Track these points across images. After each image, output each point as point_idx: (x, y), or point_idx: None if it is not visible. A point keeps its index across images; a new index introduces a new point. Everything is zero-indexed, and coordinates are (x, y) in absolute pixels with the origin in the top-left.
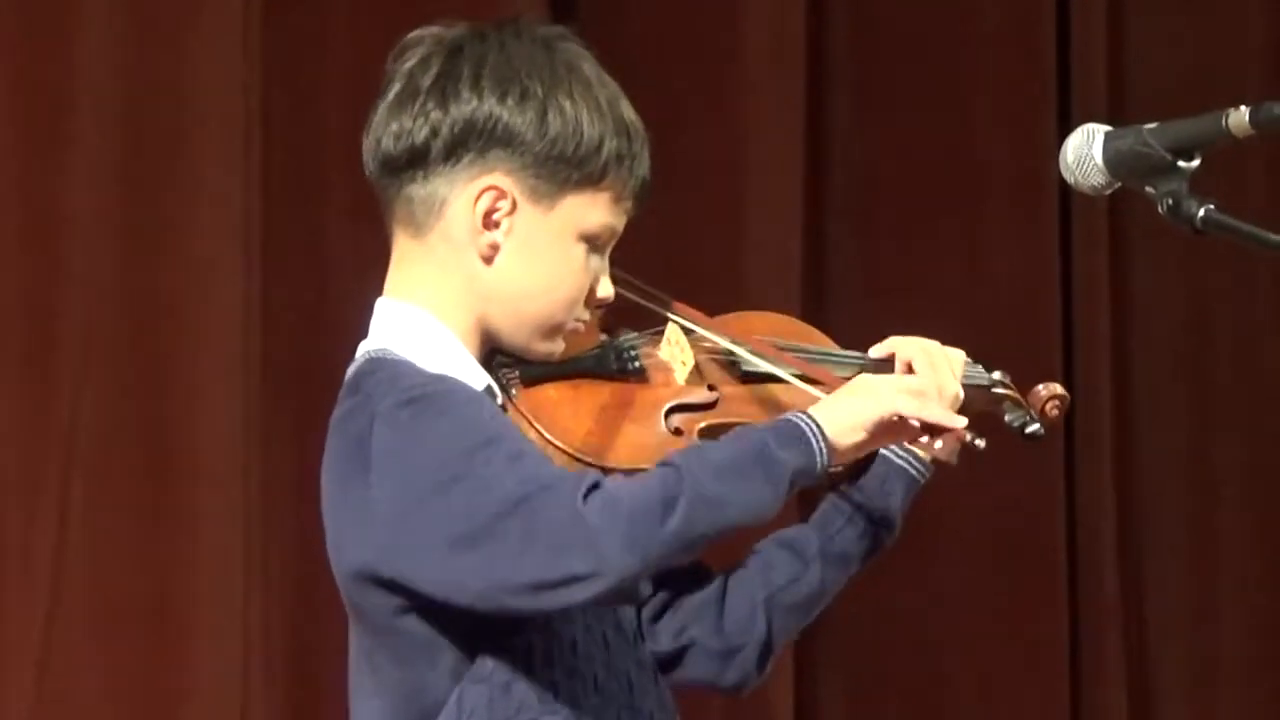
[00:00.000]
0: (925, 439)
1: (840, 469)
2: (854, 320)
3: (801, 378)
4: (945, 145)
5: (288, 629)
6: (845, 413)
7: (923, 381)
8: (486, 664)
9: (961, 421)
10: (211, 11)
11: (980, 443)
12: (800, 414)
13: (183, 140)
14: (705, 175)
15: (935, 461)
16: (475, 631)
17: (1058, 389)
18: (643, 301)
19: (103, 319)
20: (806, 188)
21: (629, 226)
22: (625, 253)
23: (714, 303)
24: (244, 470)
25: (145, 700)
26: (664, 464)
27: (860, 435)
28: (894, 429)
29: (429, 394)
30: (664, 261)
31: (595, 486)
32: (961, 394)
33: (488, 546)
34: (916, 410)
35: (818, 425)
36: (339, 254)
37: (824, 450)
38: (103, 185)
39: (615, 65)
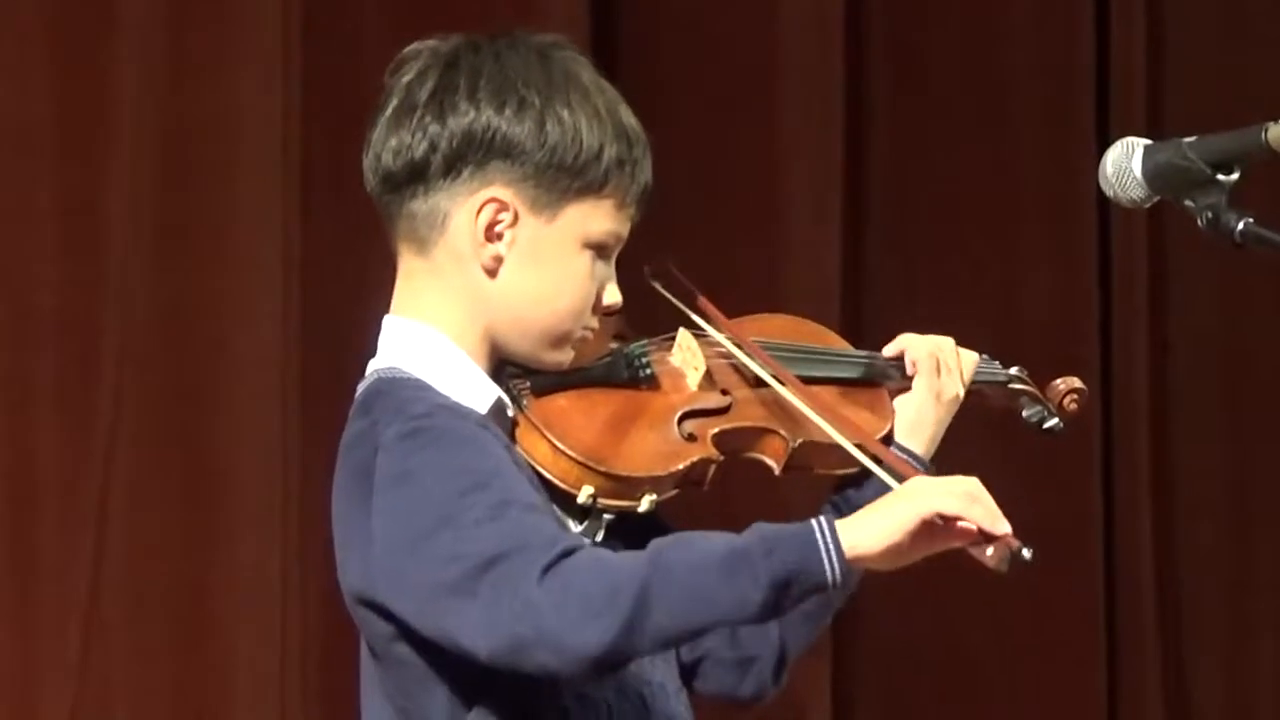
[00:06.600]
0: (973, 547)
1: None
2: (893, 335)
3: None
4: (984, 160)
5: (325, 640)
6: (876, 517)
7: (969, 484)
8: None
9: (1005, 527)
10: (251, 34)
11: (1027, 553)
12: (820, 519)
13: (223, 161)
14: (746, 194)
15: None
16: (468, 671)
17: (1075, 382)
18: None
19: (143, 335)
20: (846, 203)
21: (676, 247)
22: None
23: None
24: (282, 482)
25: (182, 711)
26: (649, 550)
27: (894, 538)
28: (936, 532)
29: (431, 427)
30: (706, 280)
31: (565, 555)
32: (961, 395)
33: (460, 598)
34: (960, 509)
35: (831, 531)
36: (378, 269)
37: (834, 556)
38: (143, 205)
39: (653, 95)
